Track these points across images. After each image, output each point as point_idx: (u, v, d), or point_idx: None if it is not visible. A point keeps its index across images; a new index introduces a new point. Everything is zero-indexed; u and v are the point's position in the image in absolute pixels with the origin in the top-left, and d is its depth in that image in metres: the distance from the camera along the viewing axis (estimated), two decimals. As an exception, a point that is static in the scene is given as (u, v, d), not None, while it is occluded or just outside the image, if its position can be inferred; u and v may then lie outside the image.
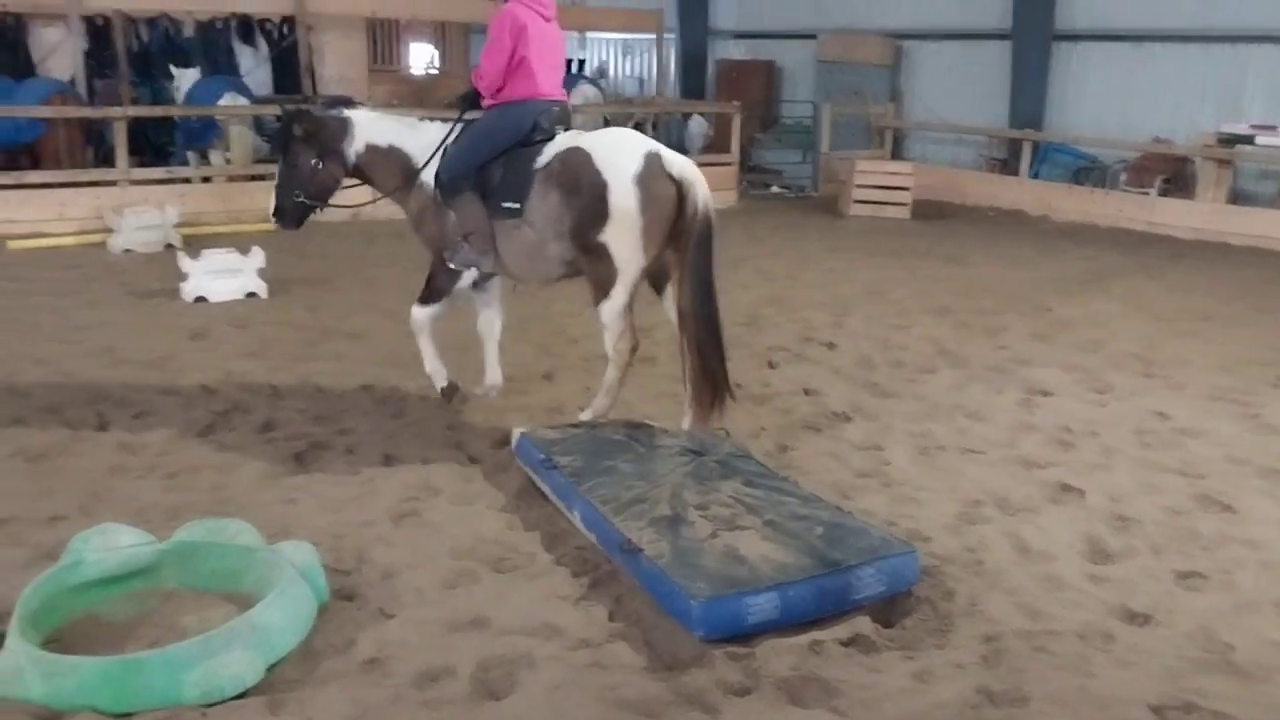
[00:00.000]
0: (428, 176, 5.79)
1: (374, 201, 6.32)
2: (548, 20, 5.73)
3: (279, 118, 6.42)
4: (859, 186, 14.41)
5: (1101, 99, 15.55)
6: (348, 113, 6.00)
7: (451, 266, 5.76)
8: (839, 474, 5.35)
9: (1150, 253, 12.12)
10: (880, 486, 5.20)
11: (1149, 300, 9.64)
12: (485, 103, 5.78)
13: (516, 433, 5.33)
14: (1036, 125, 15.70)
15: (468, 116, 5.92)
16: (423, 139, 5.89)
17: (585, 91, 16.91)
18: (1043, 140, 15.48)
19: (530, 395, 6.46)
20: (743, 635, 3.67)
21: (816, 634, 3.72)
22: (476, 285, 6.08)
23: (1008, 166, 15.97)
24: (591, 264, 5.45)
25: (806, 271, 10.55)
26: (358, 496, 4.92)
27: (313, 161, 5.84)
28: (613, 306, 5.46)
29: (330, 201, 6.07)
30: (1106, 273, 10.83)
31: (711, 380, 5.36)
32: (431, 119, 6.18)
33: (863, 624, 3.79)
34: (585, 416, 5.74)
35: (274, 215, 6.01)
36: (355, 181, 6.07)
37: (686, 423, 5.48)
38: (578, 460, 4.85)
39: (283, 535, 4.30)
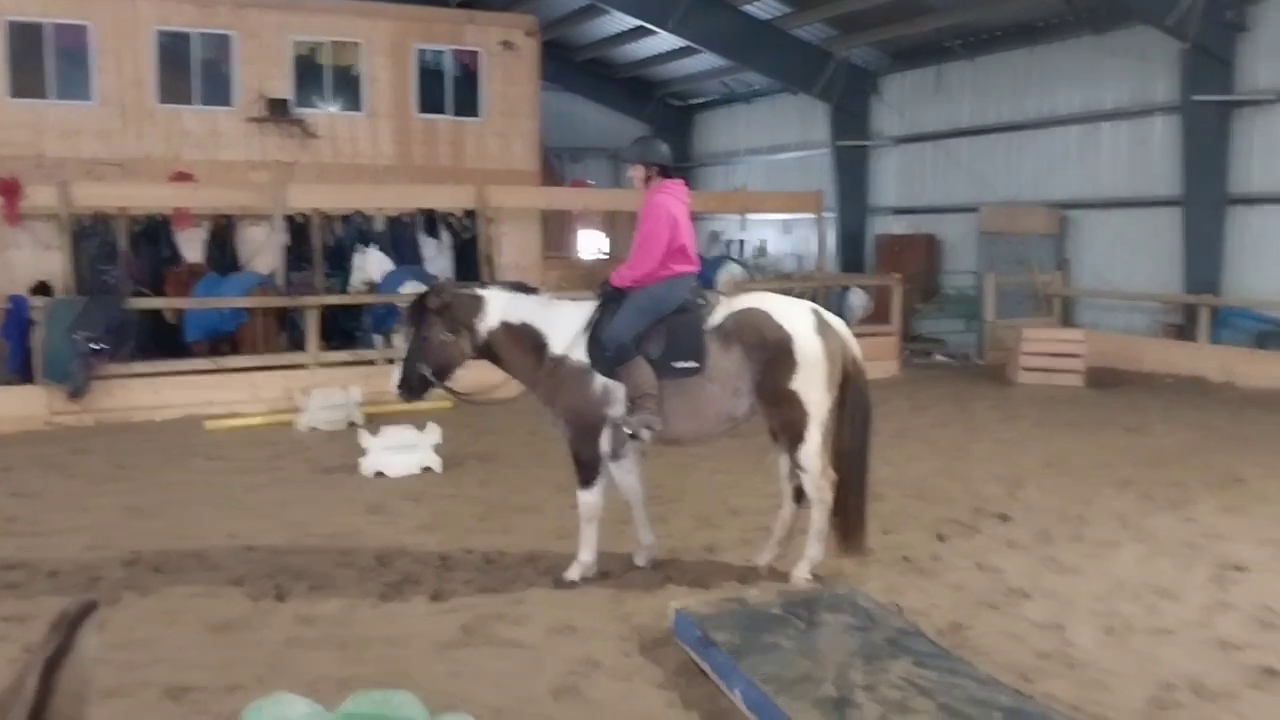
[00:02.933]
0: (571, 352, 5.97)
1: (491, 394, 6.48)
2: (685, 205, 6.19)
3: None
4: (1028, 354, 14.08)
5: (1284, 261, 14.92)
6: (481, 290, 6.28)
7: (628, 431, 5.90)
8: (1018, 654, 5.06)
9: (1356, 419, 11.31)
10: (1064, 669, 4.88)
11: (1358, 470, 8.95)
12: (622, 283, 6.05)
13: (673, 609, 5.29)
14: (1213, 289, 15.12)
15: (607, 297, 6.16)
16: (556, 316, 6.11)
17: (732, 271, 17.30)
18: (1222, 305, 14.87)
19: (691, 570, 6.41)
20: (915, 828, 3.45)
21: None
22: (615, 455, 6.17)
23: (1184, 332, 15.35)
24: (783, 412, 5.86)
25: (976, 441, 10.26)
26: (521, 670, 4.93)
27: (443, 337, 6.05)
28: (810, 449, 5.86)
29: (450, 381, 6.19)
30: (1305, 441, 10.14)
31: (851, 521, 5.96)
32: (562, 298, 6.46)
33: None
34: (803, 573, 5.95)
35: (398, 387, 6.19)
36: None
37: (801, 569, 5.92)
38: (736, 637, 4.75)
39: (447, 708, 4.32)
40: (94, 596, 0.80)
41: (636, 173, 6.19)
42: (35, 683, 0.78)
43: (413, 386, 6.16)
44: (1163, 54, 15.81)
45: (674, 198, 6.09)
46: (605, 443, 6.05)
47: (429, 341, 6.08)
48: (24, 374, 11.61)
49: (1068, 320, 16.84)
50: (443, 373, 6.14)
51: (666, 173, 6.18)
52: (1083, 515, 7.54)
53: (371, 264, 14.06)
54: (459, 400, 6.44)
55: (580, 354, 5.98)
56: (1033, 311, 16.57)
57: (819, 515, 6.01)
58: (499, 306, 6.12)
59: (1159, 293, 16.06)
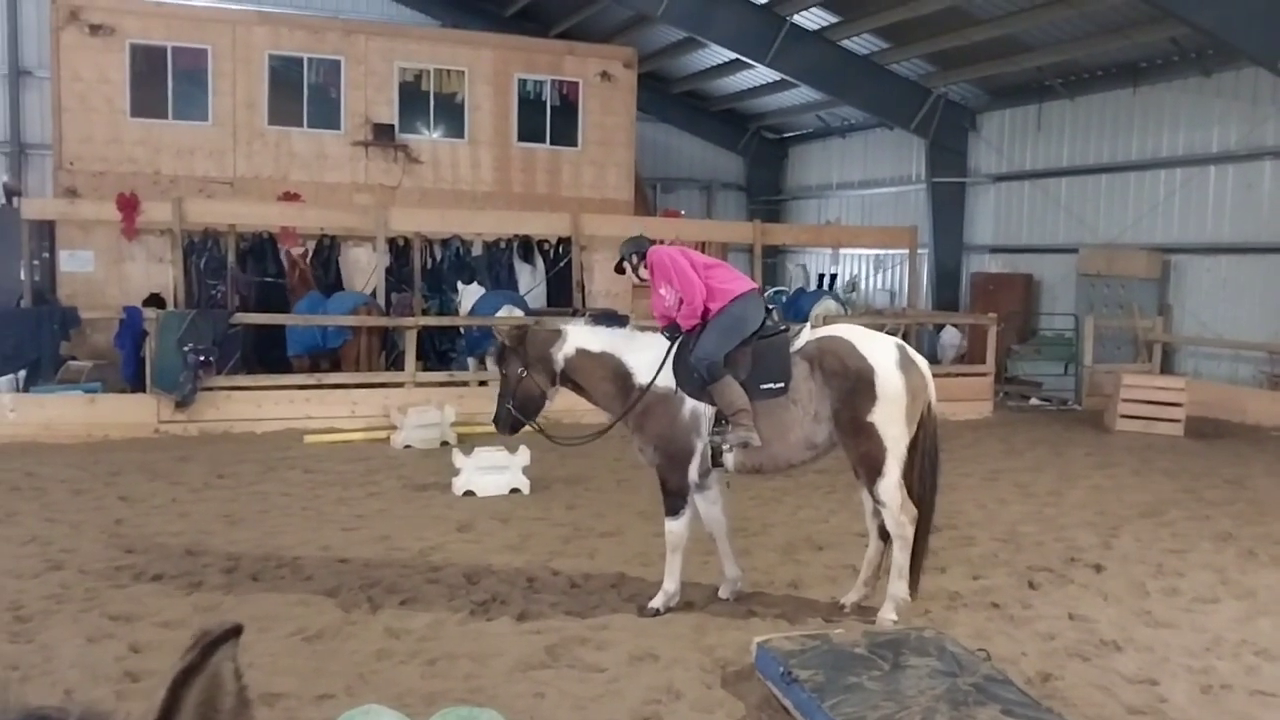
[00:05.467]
0: (657, 379, 6.06)
1: (599, 435, 6.56)
2: (680, 249, 6.55)
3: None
4: (1126, 401, 13.74)
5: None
6: (561, 325, 6.49)
7: (725, 447, 5.95)
8: (1109, 708, 4.95)
9: None
10: (1156, 726, 4.77)
11: None
12: (689, 323, 6.15)
13: (756, 643, 5.29)
14: (1326, 340, 14.59)
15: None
16: (639, 344, 6.26)
17: (828, 305, 17.25)
18: (1334, 356, 14.34)
19: (775, 604, 6.40)
20: None
21: None
22: (699, 485, 6.21)
23: (1292, 384, 14.82)
24: (860, 444, 5.85)
25: (1070, 488, 10.04)
26: (603, 695, 4.98)
27: (519, 372, 6.22)
28: (888, 483, 5.84)
29: (538, 418, 6.36)
30: None
31: (911, 563, 5.98)
32: (646, 328, 6.62)
33: None
34: (889, 614, 5.94)
35: (494, 421, 6.47)
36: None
37: (887, 610, 5.95)
38: (819, 675, 4.73)
39: (531, 728, 4.40)
40: (239, 622, 0.84)
41: (631, 264, 6.47)
42: (164, 696, 0.80)
43: (503, 422, 6.37)
44: (1274, 97, 15.38)
45: (663, 250, 6.37)
46: (694, 472, 6.09)
47: (509, 378, 6.32)
48: (136, 382, 12.10)
49: (1168, 367, 16.39)
50: (526, 408, 6.30)
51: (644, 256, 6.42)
52: (1179, 568, 7.34)
53: (471, 297, 14.33)
54: (549, 440, 6.52)
55: (667, 379, 6.06)
56: (1132, 357, 16.16)
57: (900, 552, 5.98)
58: (577, 337, 6.28)
59: (1265, 342, 15.54)
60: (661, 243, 6.94)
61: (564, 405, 6.74)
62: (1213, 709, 4.98)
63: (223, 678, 0.85)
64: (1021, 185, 20.66)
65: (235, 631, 0.85)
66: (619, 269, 6.59)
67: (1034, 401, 16.40)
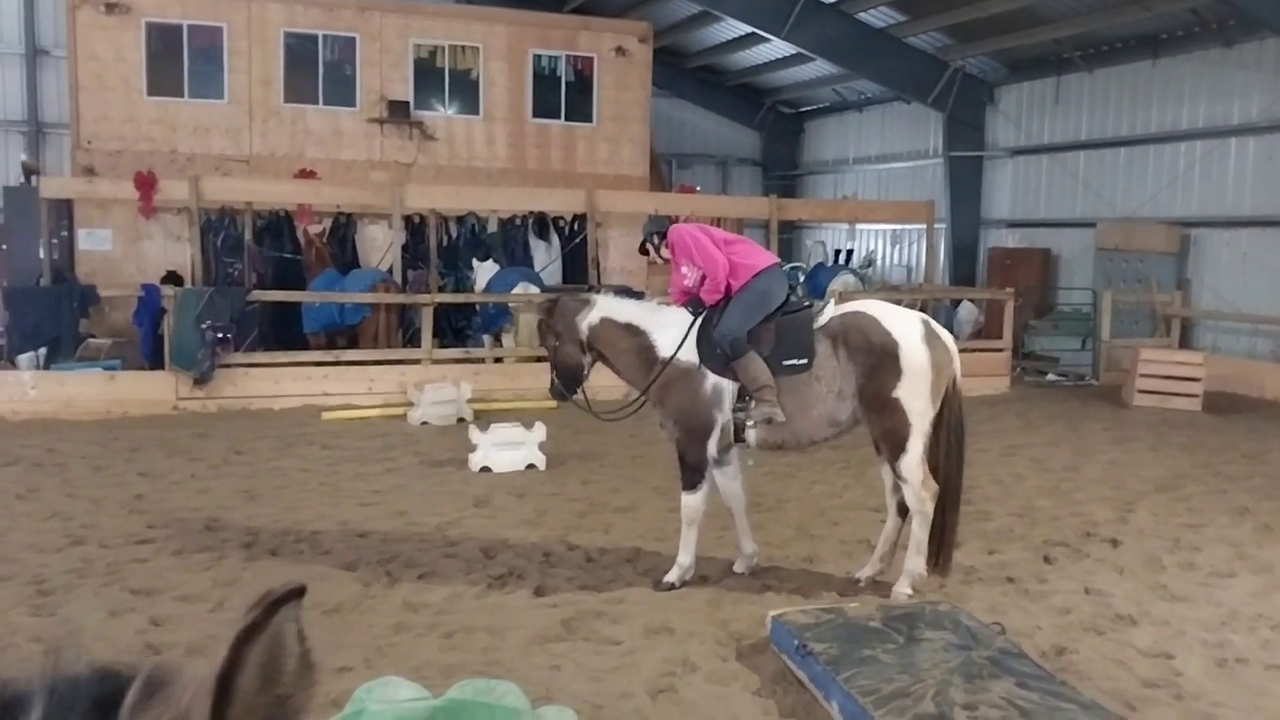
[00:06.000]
0: (680, 353, 6.07)
1: (633, 410, 6.57)
2: (698, 226, 6.61)
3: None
4: (1144, 376, 13.67)
5: None
6: (589, 295, 6.57)
7: (750, 422, 5.96)
8: (1124, 681, 4.96)
9: None
10: (1171, 699, 4.77)
11: None
12: (712, 299, 6.15)
13: (771, 617, 5.32)
14: (1347, 314, 14.46)
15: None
16: (662, 318, 6.27)
17: (846, 280, 17.20)
18: (1357, 330, 14.22)
19: (789, 579, 6.42)
20: None
21: None
22: (718, 460, 6.23)
23: (1314, 358, 14.71)
24: (884, 420, 5.84)
25: (1087, 463, 10.02)
26: (619, 667, 5.02)
27: (554, 342, 6.35)
28: (911, 459, 5.83)
29: (578, 391, 6.42)
30: None
31: (940, 538, 5.95)
32: (666, 303, 6.63)
33: None
34: (904, 588, 5.95)
35: (549, 391, 6.59)
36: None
37: (902, 584, 5.95)
38: (834, 648, 4.76)
39: (546, 700, 4.43)
40: (302, 582, 0.85)
41: (653, 244, 6.49)
42: (226, 654, 0.80)
43: (555, 390, 6.49)
44: (1297, 68, 15.22)
45: (683, 228, 6.41)
46: (713, 446, 6.11)
47: (548, 349, 6.47)
48: (155, 359, 12.19)
49: (1186, 342, 16.28)
50: (567, 377, 6.36)
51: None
52: (1195, 543, 7.32)
53: (486, 274, 14.35)
54: (589, 413, 6.53)
55: (690, 354, 6.07)
56: (1150, 332, 16.06)
57: (919, 527, 5.98)
58: (604, 306, 6.33)
59: (1286, 316, 15.42)
60: (679, 220, 6.94)
61: (610, 380, 6.74)
62: (1228, 682, 4.98)
63: (285, 638, 0.85)
64: (1039, 159, 20.51)
65: (299, 592, 0.85)
66: (643, 250, 6.62)
67: (1051, 377, 16.33)
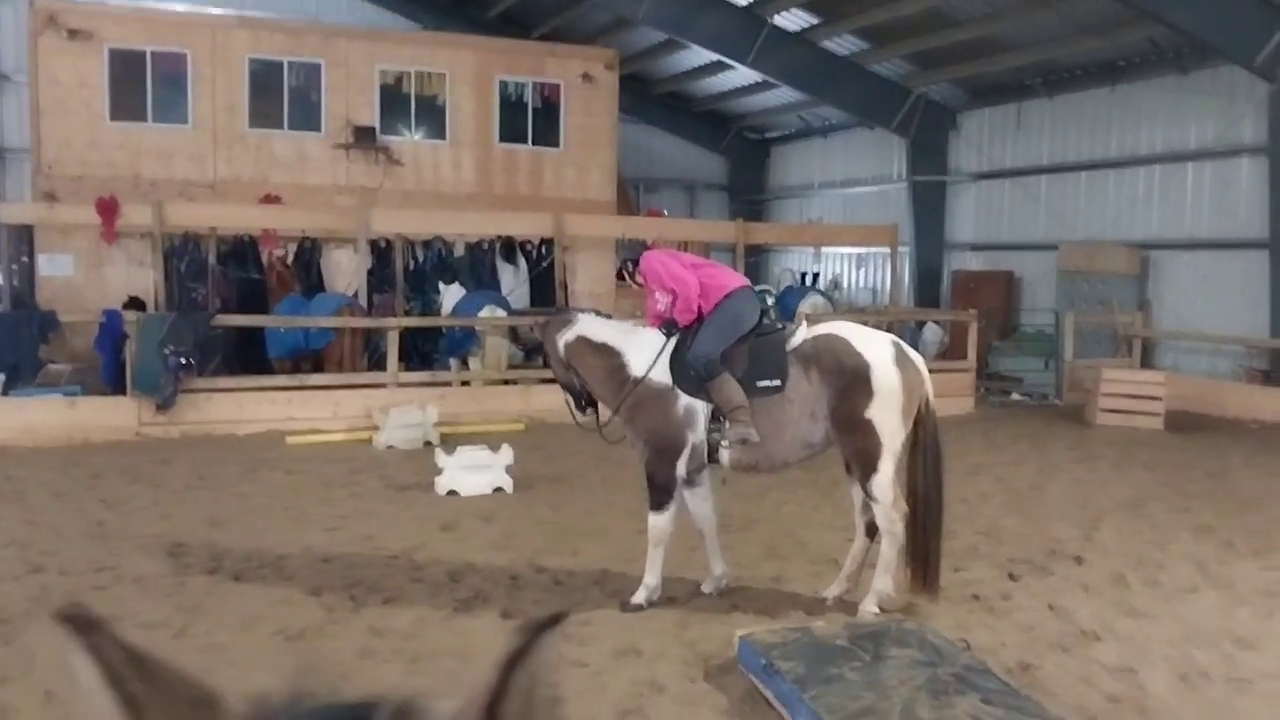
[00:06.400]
0: (652, 373, 6.09)
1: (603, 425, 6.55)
2: (666, 250, 6.76)
3: (532, 328, 7.18)
4: (1107, 395, 13.83)
5: (1379, 307, 14.46)
6: (574, 314, 6.63)
7: (724, 443, 5.98)
8: (1088, 697, 4.99)
9: None
10: (1135, 714, 4.81)
11: None
12: (686, 320, 6.19)
13: (738, 636, 5.31)
14: (1302, 334, 14.70)
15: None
16: (636, 339, 6.30)
17: (815, 301, 17.34)
18: (1312, 350, 14.45)
19: (757, 599, 6.42)
20: None
21: None
22: (689, 481, 6.25)
23: (1270, 377, 14.93)
24: (856, 441, 5.87)
25: (1051, 482, 10.11)
26: (586, 690, 4.99)
27: (550, 362, 6.50)
28: (882, 479, 5.86)
29: (586, 410, 6.50)
30: (1398, 492, 9.78)
31: (925, 559, 5.96)
32: (638, 325, 6.68)
33: None
34: (871, 606, 5.95)
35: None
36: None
37: (869, 603, 5.94)
38: (800, 667, 4.76)
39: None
40: (565, 609, 0.86)
41: (628, 270, 6.64)
42: (494, 677, 0.81)
43: (570, 409, 6.62)
44: (1250, 95, 15.50)
45: (653, 254, 6.45)
46: (682, 467, 6.12)
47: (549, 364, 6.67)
48: (117, 385, 12.04)
49: (1148, 362, 16.49)
50: (572, 396, 6.49)
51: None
52: (1159, 560, 7.39)
53: (453, 298, 14.28)
54: (601, 436, 6.51)
55: (663, 375, 6.09)
56: (1112, 352, 16.27)
57: (889, 547, 6.00)
58: (583, 325, 6.39)
59: (1244, 336, 15.66)
60: (651, 246, 6.99)
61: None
62: (1191, 697, 5.02)
63: (544, 667, 0.84)
64: (1002, 183, 20.78)
65: (561, 617, 0.86)
66: (620, 276, 6.73)
67: (1015, 397, 16.50)
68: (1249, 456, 11.56)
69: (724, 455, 6.04)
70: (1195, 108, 16.69)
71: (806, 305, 16.83)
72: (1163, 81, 17.16)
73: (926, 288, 21.76)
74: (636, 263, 6.47)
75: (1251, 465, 11.04)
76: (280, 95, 17.62)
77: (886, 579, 6.02)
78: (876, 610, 5.95)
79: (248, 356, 13.49)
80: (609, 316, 7.00)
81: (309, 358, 13.42)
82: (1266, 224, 15.32)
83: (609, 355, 6.25)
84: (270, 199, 16.64)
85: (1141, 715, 4.80)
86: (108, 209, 14.32)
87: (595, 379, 6.33)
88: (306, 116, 17.69)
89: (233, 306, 14.46)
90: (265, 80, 17.49)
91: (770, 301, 17.57)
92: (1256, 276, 15.53)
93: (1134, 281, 17.33)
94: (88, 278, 15.28)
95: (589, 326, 6.38)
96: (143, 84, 16.84)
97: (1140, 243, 17.47)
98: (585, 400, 6.47)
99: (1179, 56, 16.56)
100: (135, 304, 13.76)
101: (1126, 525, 8.41)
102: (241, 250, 15.44)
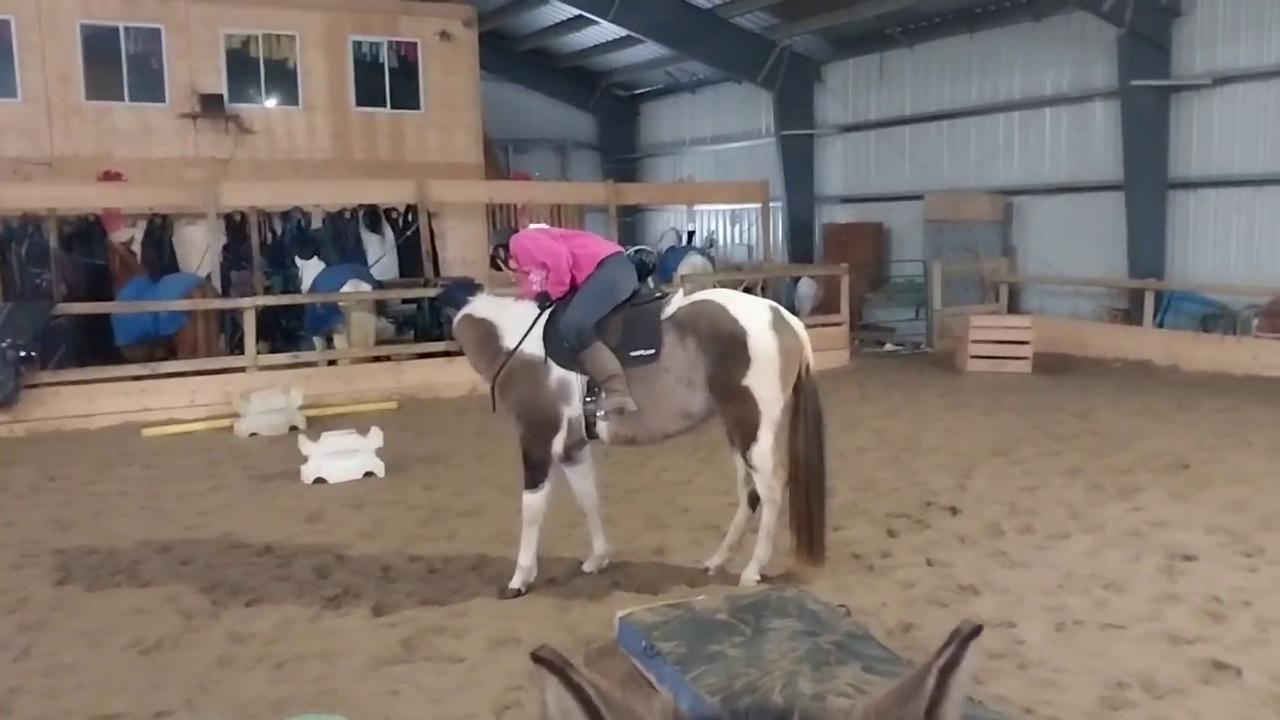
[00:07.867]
0: (525, 345, 5.91)
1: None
2: (541, 229, 6.53)
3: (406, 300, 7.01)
4: (975, 342, 14.13)
5: (1224, 245, 15.08)
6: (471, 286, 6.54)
7: (600, 414, 5.81)
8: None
9: (1295, 400, 11.43)
10: (1014, 669, 4.82)
11: (1299, 452, 9.03)
12: (558, 292, 6.02)
13: (618, 618, 5.16)
14: (1157, 274, 15.25)
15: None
16: (509, 313, 6.12)
17: (694, 261, 17.25)
18: (1167, 289, 15.01)
19: (639, 573, 6.28)
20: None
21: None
22: (569, 458, 6.08)
23: (1130, 316, 15.49)
24: (735, 409, 5.75)
25: (925, 432, 10.24)
26: (462, 686, 4.79)
27: (414, 333, 6.30)
28: (761, 449, 5.78)
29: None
30: (1247, 424, 10.18)
31: (809, 526, 5.87)
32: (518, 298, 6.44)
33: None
34: (752, 574, 5.91)
35: None
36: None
37: (750, 571, 5.93)
38: (682, 646, 4.63)
39: (383, 730, 4.18)
40: (980, 623, 0.93)
41: (500, 257, 6.43)
42: (933, 683, 0.88)
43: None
44: (1100, 40, 15.91)
45: (521, 235, 6.29)
46: (558, 444, 5.93)
47: None
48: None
49: (1014, 307, 16.93)
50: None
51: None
52: (1032, 506, 7.52)
53: (312, 272, 13.69)
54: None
55: (535, 347, 5.90)
56: (980, 299, 16.65)
57: (769, 515, 5.93)
58: (473, 304, 6.21)
59: (1104, 277, 16.19)
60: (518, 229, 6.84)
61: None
62: (1066, 647, 5.07)
63: (968, 671, 0.91)
64: (868, 135, 20.99)
65: (978, 630, 0.92)
66: (494, 264, 6.56)
67: (889, 347, 16.76)
68: (1112, 396, 11.93)
69: (602, 429, 5.88)
70: (1051, 54, 17.07)
71: (685, 266, 16.74)
72: (1018, 29, 17.50)
73: (799, 242, 21.92)
74: (507, 247, 6.24)
75: (1115, 405, 11.39)
76: (119, 63, 16.61)
77: (767, 545, 5.96)
78: (757, 578, 5.89)
79: (96, 345, 12.73)
80: (480, 286, 6.81)
81: (161, 344, 12.71)
82: (1120, 166, 15.81)
83: (483, 328, 6.08)
84: (110, 175, 15.69)
85: (1021, 669, 4.81)
86: (-70, 192, 13.29)
87: (471, 353, 6.21)
88: (148, 85, 16.72)
89: (80, 292, 13.61)
90: (101, 47, 16.44)
91: (651, 260, 17.38)
92: (1113, 218, 16.05)
93: (998, 228, 17.74)
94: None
95: (476, 305, 6.19)
96: (-38, 55, 15.65)
97: (1003, 189, 17.87)
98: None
99: (1032, 2, 16.87)
100: (-33, 295, 12.82)
101: (999, 472, 8.55)
102: (88, 231, 14.56)
